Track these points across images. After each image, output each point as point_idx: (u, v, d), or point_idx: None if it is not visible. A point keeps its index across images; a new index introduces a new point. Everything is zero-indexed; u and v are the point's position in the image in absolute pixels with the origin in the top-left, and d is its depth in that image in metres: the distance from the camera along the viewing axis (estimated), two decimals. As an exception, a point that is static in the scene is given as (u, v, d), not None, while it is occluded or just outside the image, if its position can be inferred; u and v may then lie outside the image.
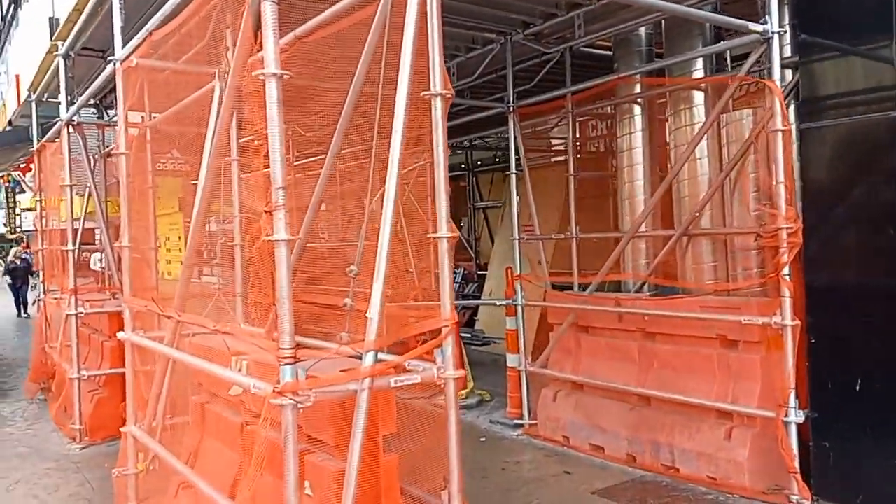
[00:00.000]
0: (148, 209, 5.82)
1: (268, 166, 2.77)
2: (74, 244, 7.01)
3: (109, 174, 9.09)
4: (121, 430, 4.80)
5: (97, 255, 10.56)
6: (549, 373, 6.49)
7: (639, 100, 6.24)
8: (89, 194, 7.90)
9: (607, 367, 6.00)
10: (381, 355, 2.94)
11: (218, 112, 4.68)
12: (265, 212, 2.72)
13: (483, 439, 6.58)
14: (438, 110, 3.00)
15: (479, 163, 14.28)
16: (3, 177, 27.58)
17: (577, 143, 7.60)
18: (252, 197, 2.90)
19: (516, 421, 6.69)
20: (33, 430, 7.53)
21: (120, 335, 4.78)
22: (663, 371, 5.53)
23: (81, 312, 7.05)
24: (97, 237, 9.95)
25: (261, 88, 2.68)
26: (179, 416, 4.90)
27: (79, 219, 7.42)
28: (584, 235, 6.62)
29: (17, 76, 29.70)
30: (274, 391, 2.69)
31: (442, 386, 3.08)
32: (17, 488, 5.66)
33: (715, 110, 5.34)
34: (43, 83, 8.19)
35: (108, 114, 8.78)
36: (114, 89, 8.16)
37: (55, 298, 9.21)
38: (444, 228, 3.06)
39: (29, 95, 8.85)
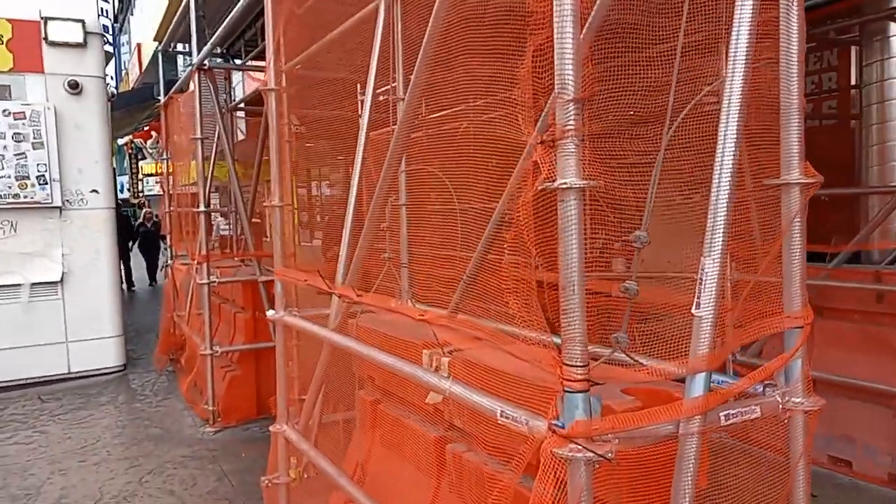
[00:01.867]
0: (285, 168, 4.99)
1: (541, 70, 1.70)
2: (207, 206, 6.28)
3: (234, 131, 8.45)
4: (271, 429, 3.97)
5: (221, 219, 10.05)
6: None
7: (897, 15, 4.80)
8: (215, 153, 7.21)
9: (857, 360, 4.69)
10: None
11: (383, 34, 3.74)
12: (540, 143, 1.66)
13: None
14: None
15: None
16: (126, 144, 28.43)
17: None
18: (509, 123, 1.84)
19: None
20: (164, 406, 6.99)
21: (270, 314, 3.92)
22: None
23: (214, 282, 6.36)
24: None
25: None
26: (337, 413, 4.05)
27: (216, 180, 6.70)
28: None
29: (139, 45, 30.53)
30: (554, 432, 1.67)
31: (785, 421, 1.99)
32: (150, 480, 5.01)
33: None
34: (169, 31, 7.52)
35: (234, 63, 8.03)
36: (241, 35, 7.48)
37: (183, 264, 8.70)
38: (796, 169, 1.93)
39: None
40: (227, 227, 10.13)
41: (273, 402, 4.35)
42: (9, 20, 7.90)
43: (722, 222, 1.75)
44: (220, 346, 6.39)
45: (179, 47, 8.40)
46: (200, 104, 5.99)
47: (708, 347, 1.74)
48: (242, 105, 8.93)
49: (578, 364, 1.63)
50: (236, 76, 11.62)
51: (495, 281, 2.15)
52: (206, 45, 5.86)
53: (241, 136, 9.75)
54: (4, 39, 7.88)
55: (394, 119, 4.15)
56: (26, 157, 7.89)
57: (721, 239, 1.75)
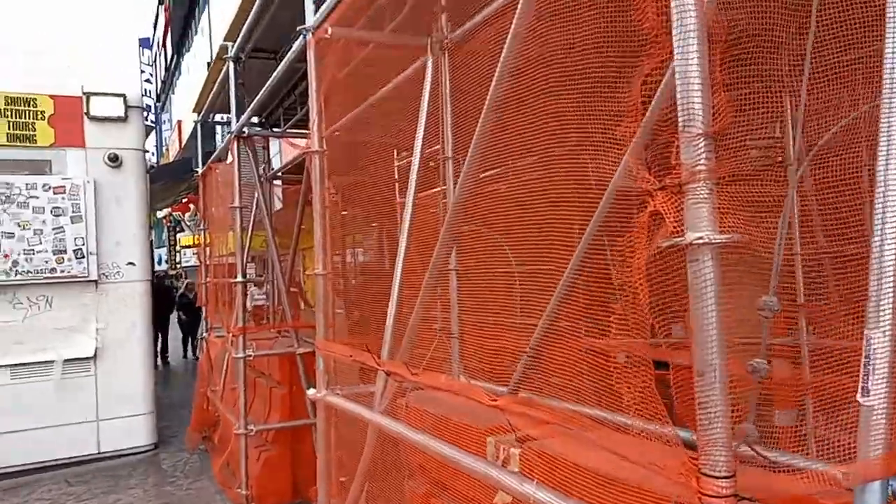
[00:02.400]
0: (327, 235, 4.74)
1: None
2: (244, 276, 6.03)
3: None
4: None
5: (255, 289, 9.83)
6: None
7: None
8: (253, 223, 7.04)
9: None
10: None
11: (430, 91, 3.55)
12: (661, 189, 1.33)
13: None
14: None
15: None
16: (165, 217, 28.94)
17: None
18: (611, 167, 1.52)
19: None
20: (195, 489, 6.60)
21: (311, 394, 3.57)
22: None
23: (250, 355, 6.05)
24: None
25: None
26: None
27: (252, 250, 6.49)
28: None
29: (179, 122, 31.44)
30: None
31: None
32: (180, 576, 4.60)
33: None
34: (209, 101, 7.47)
35: (273, 131, 7.94)
36: (280, 103, 7.40)
37: (218, 337, 8.45)
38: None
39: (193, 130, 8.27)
40: (261, 296, 9.91)
41: (314, 494, 3.96)
42: (51, 96, 7.96)
43: (891, 283, 1.38)
44: (254, 425, 6.02)
45: (218, 118, 8.38)
46: (239, 172, 5.83)
47: (883, 447, 1.35)
48: (281, 174, 8.82)
49: (723, 474, 1.25)
50: (274, 147, 11.64)
51: (590, 360, 1.79)
52: (244, 113, 5.74)
53: (277, 206, 9.65)
54: (46, 115, 7.92)
55: (436, 180, 3.92)
56: (64, 231, 7.80)
57: (891, 305, 1.38)
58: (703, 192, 1.27)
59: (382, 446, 3.36)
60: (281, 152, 12.41)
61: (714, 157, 1.28)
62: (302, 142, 6.91)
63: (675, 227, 1.29)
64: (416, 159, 3.50)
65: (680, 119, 1.30)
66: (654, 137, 1.41)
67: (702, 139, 1.27)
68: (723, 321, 1.29)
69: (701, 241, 1.24)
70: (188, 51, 30.50)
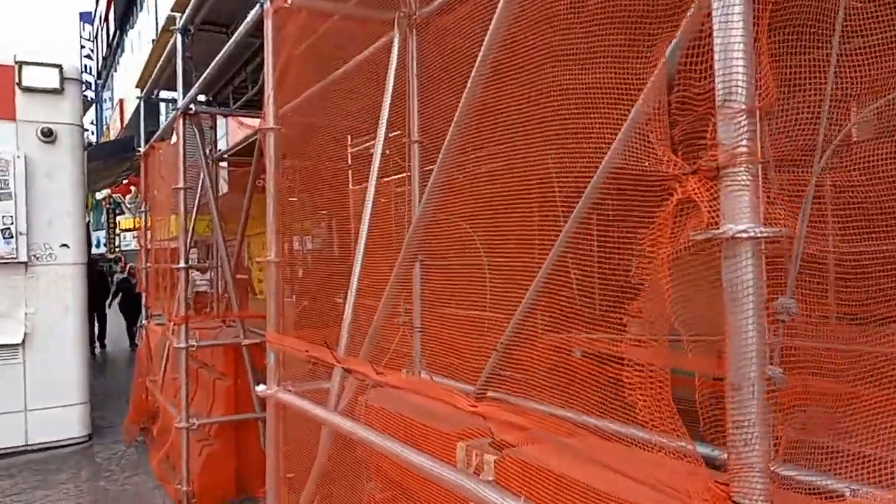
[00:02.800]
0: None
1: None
2: (187, 262, 5.69)
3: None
4: (260, 530, 3.33)
5: (197, 274, 9.41)
6: None
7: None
8: (198, 206, 6.68)
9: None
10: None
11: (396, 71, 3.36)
12: (695, 173, 1.15)
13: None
14: None
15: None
16: (105, 199, 27.89)
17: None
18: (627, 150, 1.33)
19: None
20: (131, 485, 6.25)
21: (261, 390, 3.32)
22: None
23: (193, 346, 5.72)
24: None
25: None
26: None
27: (195, 234, 6.14)
28: None
29: (121, 101, 30.29)
30: None
31: None
32: (113, 581, 4.29)
33: None
34: (154, 74, 7.05)
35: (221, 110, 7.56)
36: (230, 81, 7.03)
37: (158, 325, 8.05)
38: None
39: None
40: (203, 282, 9.51)
41: (260, 492, 3.71)
42: (-22, 64, 7.42)
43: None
44: (196, 419, 5.71)
45: (163, 95, 7.96)
46: (185, 152, 5.48)
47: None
48: (228, 155, 8.43)
49: None
50: (221, 128, 11.19)
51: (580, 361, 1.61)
52: (192, 88, 5.40)
53: (223, 190, 9.25)
54: (-27, 84, 7.37)
55: (392, 168, 3.73)
56: (-9, 209, 7.28)
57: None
58: (744, 177, 1.10)
59: (338, 447, 3.14)
60: (228, 134, 11.98)
61: (757, 137, 1.11)
62: (253, 122, 6.58)
63: (711, 219, 1.11)
64: (379, 143, 3.28)
65: (719, 93, 1.12)
66: (682, 114, 1.23)
67: (744, 116, 1.10)
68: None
69: (744, 235, 1.07)
70: (132, 28, 29.37)
